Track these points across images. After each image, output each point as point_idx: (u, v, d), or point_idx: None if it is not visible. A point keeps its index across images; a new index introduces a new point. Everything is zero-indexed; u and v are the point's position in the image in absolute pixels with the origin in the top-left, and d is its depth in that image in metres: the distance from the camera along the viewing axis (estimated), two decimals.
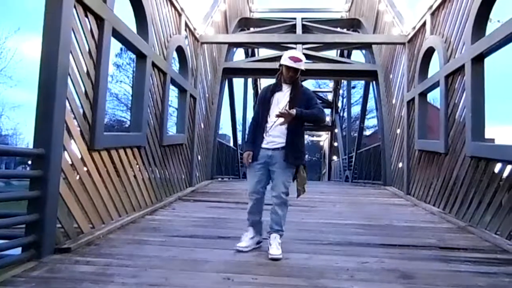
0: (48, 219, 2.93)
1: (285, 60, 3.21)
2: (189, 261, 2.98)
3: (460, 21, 5.41)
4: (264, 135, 3.19)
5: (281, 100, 3.23)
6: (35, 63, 3.12)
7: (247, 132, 3.30)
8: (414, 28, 7.59)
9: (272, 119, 3.17)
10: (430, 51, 6.59)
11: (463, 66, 5.04)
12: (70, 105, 3.31)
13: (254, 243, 3.30)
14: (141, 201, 4.95)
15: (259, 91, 3.55)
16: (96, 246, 3.30)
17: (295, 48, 9.27)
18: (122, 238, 3.62)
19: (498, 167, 4.18)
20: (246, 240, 3.28)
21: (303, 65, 3.21)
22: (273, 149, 3.17)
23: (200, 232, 3.95)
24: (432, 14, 6.64)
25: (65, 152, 3.27)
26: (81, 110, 3.61)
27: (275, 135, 3.18)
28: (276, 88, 3.28)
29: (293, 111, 3.06)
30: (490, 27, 4.71)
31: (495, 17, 5.20)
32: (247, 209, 3.33)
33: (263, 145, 3.19)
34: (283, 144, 3.16)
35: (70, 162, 3.36)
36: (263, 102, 3.28)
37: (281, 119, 3.09)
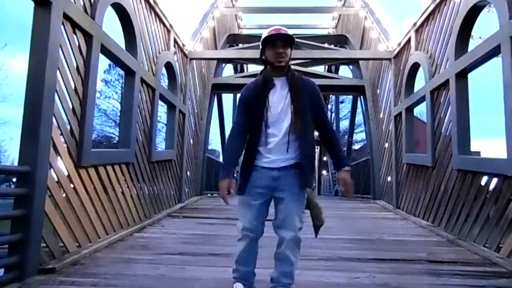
0: (33, 238, 2.86)
1: (267, 34, 2.31)
2: (178, 279, 2.92)
3: (443, 38, 5.56)
4: (262, 150, 2.26)
5: (276, 100, 2.28)
6: (21, 79, 3.10)
7: (225, 146, 2.38)
8: (399, 44, 7.76)
9: (272, 130, 2.24)
10: (415, 67, 6.73)
11: (447, 81, 5.16)
12: (57, 122, 3.28)
13: None
14: (129, 219, 4.87)
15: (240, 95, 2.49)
16: (82, 265, 3.21)
17: None
18: (109, 257, 3.54)
19: (484, 179, 4.24)
20: None
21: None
22: (280, 168, 2.24)
23: (190, 249, 3.89)
24: (416, 30, 6.82)
25: (51, 169, 3.21)
26: (68, 127, 3.57)
27: (280, 149, 2.24)
28: (269, 84, 2.32)
29: (347, 172, 2.35)
30: (473, 44, 4.85)
31: (477, 34, 5.38)
32: (236, 256, 2.37)
33: (264, 164, 2.25)
34: (295, 161, 2.24)
35: (56, 180, 3.30)
36: (256, 105, 2.27)
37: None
